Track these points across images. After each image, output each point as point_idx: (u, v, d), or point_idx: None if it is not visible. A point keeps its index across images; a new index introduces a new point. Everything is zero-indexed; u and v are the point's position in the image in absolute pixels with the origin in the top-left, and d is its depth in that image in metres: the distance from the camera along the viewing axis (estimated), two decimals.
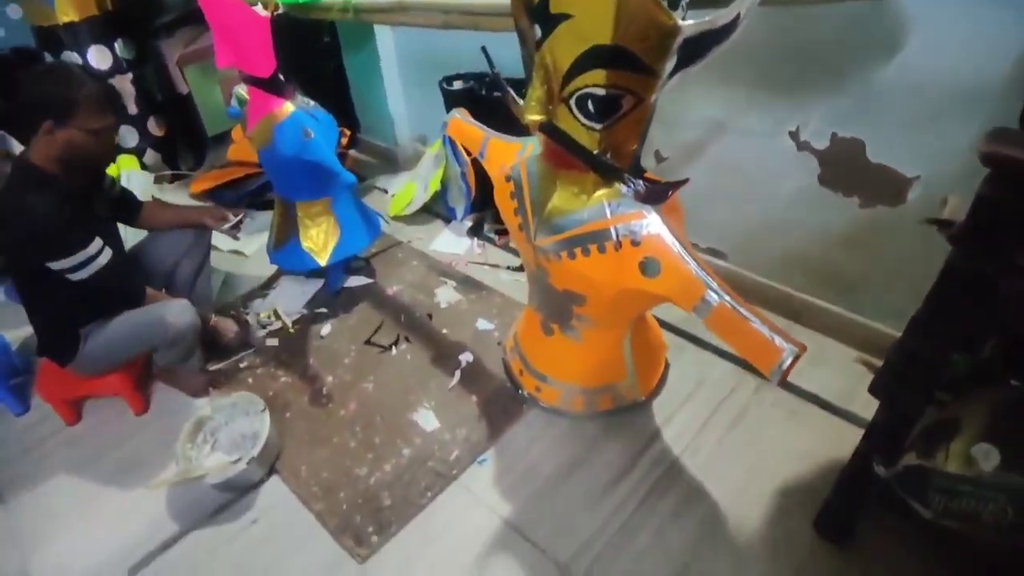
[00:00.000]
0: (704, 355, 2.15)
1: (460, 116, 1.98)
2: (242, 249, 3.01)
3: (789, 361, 1.20)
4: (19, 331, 2.66)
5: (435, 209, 3.12)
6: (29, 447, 2.13)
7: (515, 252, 2.79)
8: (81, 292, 1.83)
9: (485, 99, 2.63)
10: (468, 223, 2.97)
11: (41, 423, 2.21)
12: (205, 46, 3.75)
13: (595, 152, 1.35)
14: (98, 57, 3.33)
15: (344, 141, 3.34)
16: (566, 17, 1.17)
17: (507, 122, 1.66)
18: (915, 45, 1.62)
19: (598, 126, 1.31)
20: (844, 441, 1.70)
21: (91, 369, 2.03)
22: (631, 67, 1.19)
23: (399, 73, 3.35)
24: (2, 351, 2.38)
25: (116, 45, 3.38)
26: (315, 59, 3.61)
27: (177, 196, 3.40)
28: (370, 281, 2.68)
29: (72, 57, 3.29)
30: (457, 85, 2.85)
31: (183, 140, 3.84)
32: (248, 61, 2.05)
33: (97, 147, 1.77)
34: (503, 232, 2.89)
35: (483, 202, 2.77)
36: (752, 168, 2.11)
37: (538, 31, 1.24)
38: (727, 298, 1.28)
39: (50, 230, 1.71)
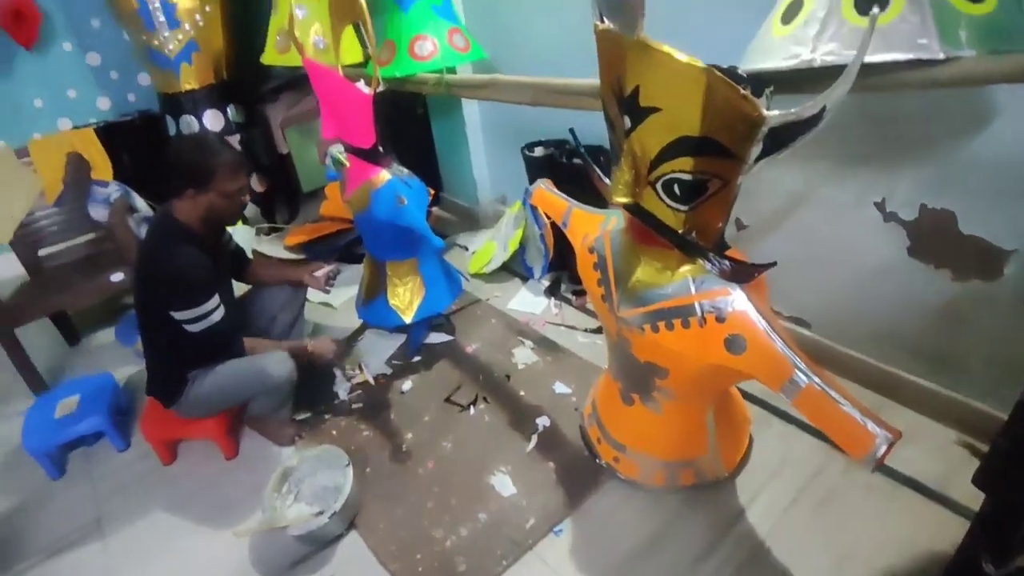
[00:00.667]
0: (790, 430, 2.08)
1: (544, 186, 2.04)
2: (331, 301, 3.15)
3: (883, 449, 1.16)
4: (125, 371, 2.86)
5: (513, 267, 3.19)
6: (128, 483, 2.27)
7: (592, 314, 2.81)
8: (191, 342, 1.98)
9: (565, 166, 2.70)
10: (545, 282, 3.02)
11: (139, 460, 2.36)
12: (305, 109, 4.02)
13: (680, 232, 1.37)
14: (212, 120, 3.63)
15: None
16: (655, 110, 1.21)
17: (587, 189, 1.71)
18: (1006, 120, 1.58)
19: (684, 208, 1.33)
20: (944, 530, 1.61)
21: (193, 412, 2.17)
22: (718, 154, 1.22)
23: (483, 138, 3.48)
24: (111, 389, 2.57)
25: (229, 110, 3.69)
26: (406, 123, 3.80)
27: (273, 248, 3.60)
28: (450, 338, 2.75)
29: (190, 120, 3.60)
30: (538, 152, 2.94)
31: (280, 195, 4.10)
32: (351, 133, 2.19)
33: (231, 207, 2.00)
34: (580, 293, 2.92)
35: (560, 262, 2.82)
36: (837, 237, 2.07)
37: (627, 121, 1.28)
38: (816, 379, 1.26)
39: (193, 281, 1.91)
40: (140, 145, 3.83)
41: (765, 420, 2.13)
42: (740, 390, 2.10)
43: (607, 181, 1.52)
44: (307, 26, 3.42)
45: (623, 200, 1.37)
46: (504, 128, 3.32)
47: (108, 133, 3.71)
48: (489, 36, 2.98)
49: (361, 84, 2.17)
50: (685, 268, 1.47)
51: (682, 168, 1.26)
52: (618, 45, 1.20)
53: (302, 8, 3.43)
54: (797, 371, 1.28)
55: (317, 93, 2.21)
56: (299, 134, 4.08)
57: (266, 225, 3.90)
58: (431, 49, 2.69)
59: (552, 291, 2.98)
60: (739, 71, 1.33)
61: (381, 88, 2.16)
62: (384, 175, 2.25)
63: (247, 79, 3.91)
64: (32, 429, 2.36)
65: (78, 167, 3.08)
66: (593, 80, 1.85)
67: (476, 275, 3.19)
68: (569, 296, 2.94)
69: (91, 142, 3.08)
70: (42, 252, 3.18)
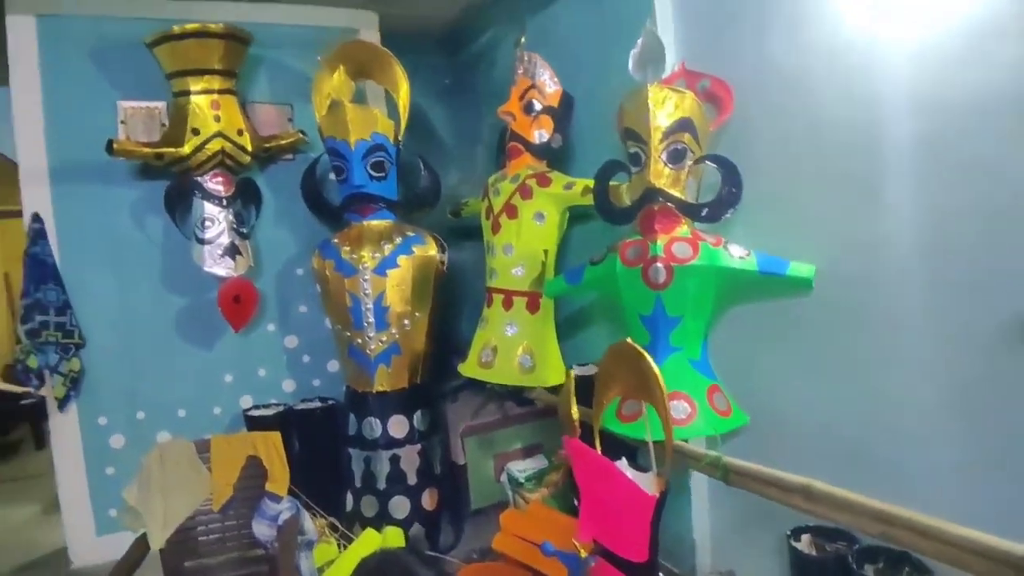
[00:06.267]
0: None
1: None
2: None
3: None
4: None
5: None
6: None
7: None
8: None
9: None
10: None
11: None
12: (489, 421, 3.71)
13: None
14: (396, 427, 3.36)
15: None
16: None
17: None
18: None
19: None
20: None
21: None
22: None
23: (709, 491, 2.89)
24: None
25: (415, 417, 3.40)
26: None
27: None
28: None
29: (374, 423, 3.34)
30: (803, 543, 2.28)
31: (447, 513, 3.61)
32: (616, 539, 1.68)
33: None
34: None
35: None
36: None
37: None
38: None
39: None
40: (317, 437, 3.59)
41: None
42: None
43: None
44: (514, 344, 3.22)
45: None
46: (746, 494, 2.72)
47: (286, 419, 3.55)
48: (748, 396, 2.53)
49: (646, 480, 1.70)
50: None
51: None
52: None
53: (513, 325, 3.26)
54: None
55: (577, 478, 1.76)
56: (479, 445, 3.70)
57: (428, 552, 3.35)
58: (688, 411, 2.25)
59: None
60: None
61: (663, 491, 1.68)
62: None
63: (434, 381, 3.70)
64: None
65: (254, 474, 2.78)
66: None
67: None
68: None
69: (275, 449, 2.79)
70: (188, 563, 2.77)
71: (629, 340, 1.74)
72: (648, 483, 1.71)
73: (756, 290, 2.44)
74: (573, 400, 1.85)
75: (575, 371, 3.17)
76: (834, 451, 2.24)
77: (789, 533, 2.29)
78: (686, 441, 2.27)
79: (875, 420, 2.13)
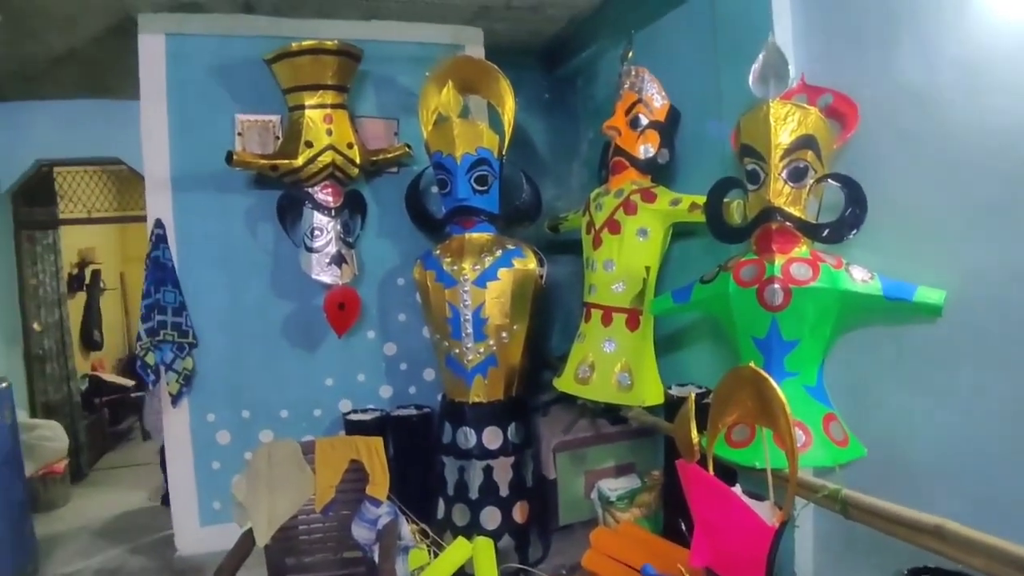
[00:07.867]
0: None
1: None
2: None
3: None
4: None
5: None
6: None
7: None
8: None
9: None
10: None
11: None
12: (581, 437, 3.68)
13: None
14: (491, 438, 3.38)
15: None
16: None
17: None
18: None
19: None
20: None
21: None
22: None
23: (814, 526, 2.75)
24: None
25: (509, 429, 3.41)
26: None
27: None
28: None
29: (468, 433, 3.37)
30: None
31: (535, 527, 3.60)
32: (732, 568, 1.62)
33: None
34: None
35: None
36: None
37: None
38: None
39: None
40: (411, 444, 3.64)
41: None
42: None
43: None
44: (612, 361, 3.18)
45: None
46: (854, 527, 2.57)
47: (383, 424, 3.63)
48: (863, 427, 2.40)
49: (765, 511, 1.64)
50: None
51: None
52: None
53: (611, 342, 3.22)
54: None
55: (691, 501, 1.72)
56: (570, 460, 3.68)
57: (515, 565, 3.33)
58: (803, 439, 2.16)
59: None
60: None
61: (793, 517, 1.62)
62: None
63: (528, 393, 3.70)
64: None
65: (355, 478, 2.85)
66: None
67: None
68: None
69: (377, 454, 2.86)
70: (289, 560, 2.87)
71: (752, 364, 1.68)
72: (765, 512, 1.65)
73: (877, 315, 2.32)
74: (693, 424, 1.80)
75: (674, 391, 3.12)
76: (963, 492, 2.09)
77: (905, 573, 2.15)
78: None
79: (1015, 463, 1.98)
